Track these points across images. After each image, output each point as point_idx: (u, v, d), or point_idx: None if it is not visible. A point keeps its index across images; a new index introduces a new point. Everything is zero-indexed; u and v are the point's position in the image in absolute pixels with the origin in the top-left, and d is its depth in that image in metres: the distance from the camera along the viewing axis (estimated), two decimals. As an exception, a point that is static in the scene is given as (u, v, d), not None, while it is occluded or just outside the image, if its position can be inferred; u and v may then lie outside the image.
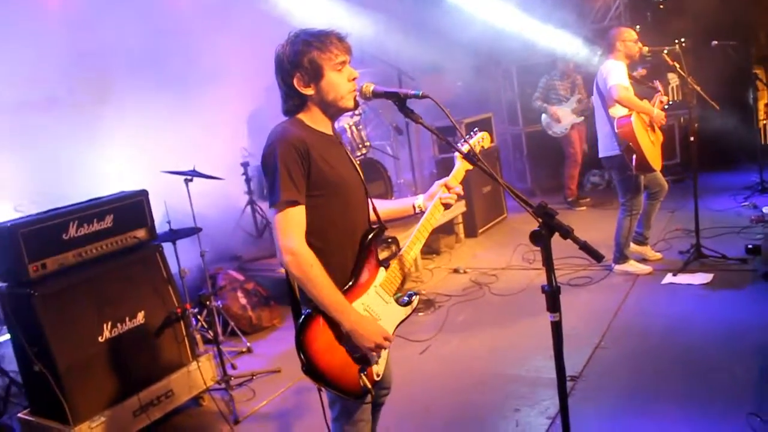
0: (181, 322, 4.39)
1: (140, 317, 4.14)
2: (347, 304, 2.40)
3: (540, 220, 2.14)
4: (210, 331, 4.70)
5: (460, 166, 2.80)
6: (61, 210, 3.94)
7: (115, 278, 4.06)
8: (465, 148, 2.61)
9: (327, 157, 2.45)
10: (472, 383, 4.33)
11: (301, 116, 2.52)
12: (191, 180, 4.93)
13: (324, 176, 2.42)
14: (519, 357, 4.52)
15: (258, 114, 7.36)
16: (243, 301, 5.74)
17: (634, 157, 5.36)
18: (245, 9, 7.24)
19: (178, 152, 5.54)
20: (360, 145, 7.01)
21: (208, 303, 4.90)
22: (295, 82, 2.44)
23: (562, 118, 8.53)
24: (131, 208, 4.22)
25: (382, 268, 2.62)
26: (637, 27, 9.62)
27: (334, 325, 2.40)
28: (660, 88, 5.83)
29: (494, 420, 3.82)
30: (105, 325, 3.95)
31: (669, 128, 8.70)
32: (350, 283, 2.51)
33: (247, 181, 6.85)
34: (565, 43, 8.88)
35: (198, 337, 4.97)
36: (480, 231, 7.94)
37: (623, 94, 5.32)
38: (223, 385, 4.55)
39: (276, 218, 2.36)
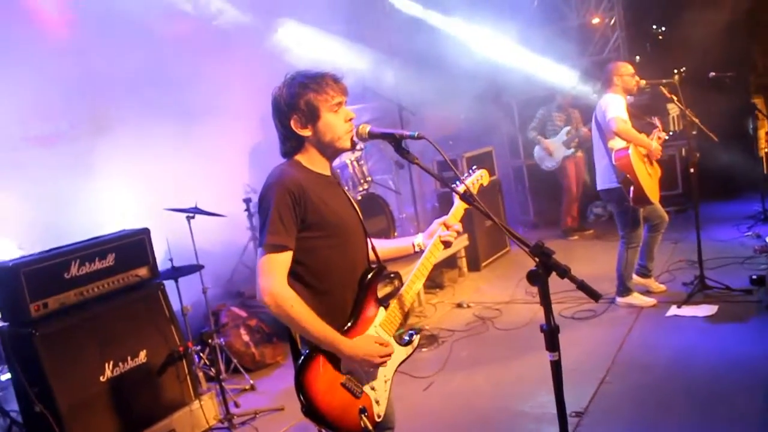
0: (183, 361, 4.38)
1: (142, 356, 4.14)
2: (337, 335, 2.40)
3: (537, 260, 2.15)
4: (213, 369, 4.68)
5: (459, 204, 2.80)
6: (63, 249, 3.97)
7: (116, 317, 4.07)
8: (462, 188, 2.64)
9: (325, 199, 2.48)
10: (476, 420, 4.29)
11: (299, 158, 2.55)
12: (193, 217, 4.96)
13: (322, 217, 2.45)
14: (524, 392, 4.47)
15: (259, 148, 7.43)
16: (246, 338, 5.71)
17: (632, 189, 5.39)
18: (246, 44, 7.37)
19: (180, 188, 5.59)
20: (362, 180, 7.04)
21: (210, 341, 4.88)
22: (292, 123, 2.48)
23: (554, 151, 8.60)
24: (133, 246, 4.25)
25: (381, 308, 2.62)
26: (637, 58, 9.78)
27: (333, 364, 2.41)
28: (658, 123, 5.87)
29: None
30: (107, 365, 3.95)
31: (670, 159, 8.75)
32: (349, 324, 2.51)
33: (250, 216, 6.88)
34: (564, 75, 8.98)
35: (201, 374, 4.95)
36: (483, 265, 7.93)
37: (622, 126, 5.35)
38: (226, 424, 4.52)
39: (260, 260, 2.38)
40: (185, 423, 4.27)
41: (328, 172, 2.61)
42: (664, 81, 5.72)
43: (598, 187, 5.79)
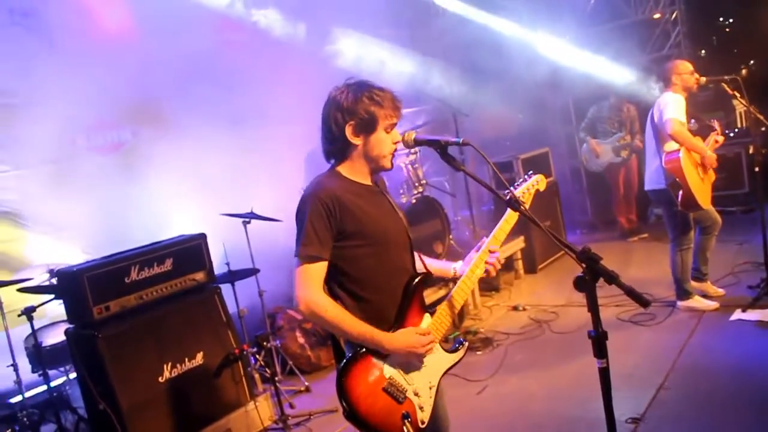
0: (239, 363, 4.47)
1: (199, 358, 4.25)
2: (376, 331, 2.42)
3: (584, 266, 2.11)
4: (268, 371, 4.76)
5: (508, 215, 2.75)
6: (124, 254, 4.11)
7: (174, 320, 4.18)
8: (517, 192, 2.67)
9: (364, 207, 2.50)
10: (529, 424, 4.25)
11: (340, 168, 2.58)
12: (249, 222, 5.06)
13: (361, 226, 2.47)
14: (579, 397, 4.40)
15: (315, 153, 7.41)
16: (301, 340, 5.79)
17: (681, 193, 5.25)
18: (301, 51, 7.45)
19: (236, 193, 5.70)
20: (416, 184, 7.04)
21: (265, 343, 4.96)
22: (347, 128, 2.49)
23: (602, 154, 8.42)
24: (190, 251, 4.36)
25: (427, 315, 2.61)
26: (702, 52, 9.48)
27: (375, 368, 2.42)
28: (716, 126, 5.65)
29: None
30: (165, 366, 4.07)
31: (735, 156, 8.47)
32: (392, 331, 2.51)
33: (305, 221, 6.96)
34: (622, 74, 8.78)
35: (257, 376, 5.04)
36: (539, 267, 7.84)
37: (678, 128, 5.19)
38: (280, 425, 4.59)
39: (296, 271, 2.44)
40: (241, 423, 4.35)
41: (369, 182, 2.62)
42: (726, 77, 5.54)
43: (646, 187, 5.68)
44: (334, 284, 2.52)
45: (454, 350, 2.68)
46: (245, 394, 4.49)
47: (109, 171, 6.00)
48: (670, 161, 5.32)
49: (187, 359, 4.18)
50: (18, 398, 4.97)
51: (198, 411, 4.16)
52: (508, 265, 7.68)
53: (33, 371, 5.02)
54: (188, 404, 4.11)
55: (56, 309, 5.21)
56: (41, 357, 4.82)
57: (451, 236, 6.87)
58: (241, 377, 4.48)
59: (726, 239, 6.78)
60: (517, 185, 2.85)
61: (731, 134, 8.44)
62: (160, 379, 4.03)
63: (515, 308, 6.60)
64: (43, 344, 4.93)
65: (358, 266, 2.50)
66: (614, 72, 8.86)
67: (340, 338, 2.51)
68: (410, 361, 2.50)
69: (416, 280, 2.60)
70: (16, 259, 5.62)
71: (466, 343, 2.73)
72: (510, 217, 2.72)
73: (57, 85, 5.50)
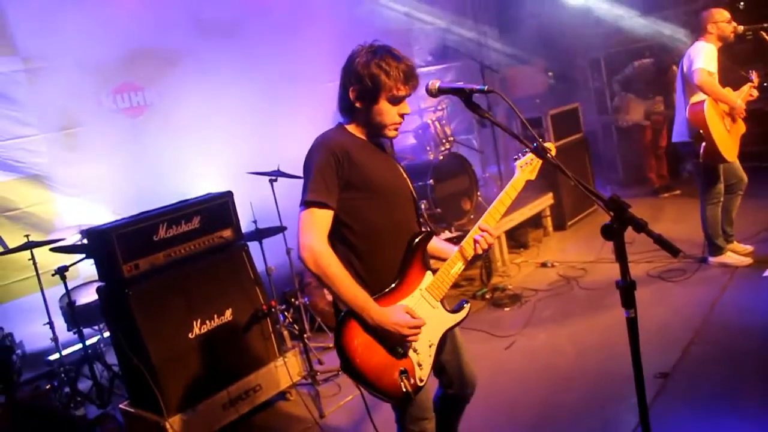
0: (268, 320, 4.50)
1: (228, 314, 4.29)
2: (368, 299, 2.39)
3: (611, 214, 2.07)
4: (297, 327, 4.81)
5: (519, 176, 2.74)
6: (152, 213, 4.13)
7: (203, 277, 4.21)
8: (522, 160, 2.69)
9: (369, 163, 2.51)
10: (558, 379, 4.24)
11: (348, 126, 2.59)
12: (276, 180, 5.06)
13: (366, 178, 2.47)
14: (607, 353, 4.37)
15: (342, 112, 7.47)
16: (329, 297, 5.81)
17: (703, 145, 5.11)
18: (332, 9, 7.35)
19: (263, 152, 5.70)
20: (444, 140, 6.98)
21: (294, 300, 5.00)
22: (350, 91, 2.50)
23: (633, 112, 8.21)
24: (217, 209, 4.36)
25: (429, 272, 2.59)
26: (741, 4, 9.11)
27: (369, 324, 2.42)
28: (754, 78, 5.42)
29: (581, 418, 3.72)
30: (195, 323, 4.11)
31: (773, 111, 8.20)
32: (394, 285, 2.51)
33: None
34: (656, 28, 8.53)
35: (285, 333, 5.09)
36: (569, 224, 7.75)
37: (705, 79, 5.02)
38: (309, 380, 4.64)
39: (301, 216, 2.41)
40: (270, 379, 4.40)
41: (375, 142, 2.63)
42: (765, 25, 5.34)
43: (674, 139, 5.54)
44: (336, 238, 2.51)
45: (457, 310, 2.67)
46: (274, 350, 4.53)
47: (136, 132, 6.04)
48: (694, 112, 5.18)
49: (216, 316, 4.22)
50: (55, 356, 5.11)
51: (227, 367, 4.21)
52: (537, 222, 7.61)
53: (68, 330, 5.16)
54: (218, 360, 4.16)
55: (89, 269, 5.32)
56: (75, 316, 4.94)
57: (479, 192, 6.82)
58: (270, 334, 4.51)
59: (762, 195, 6.63)
60: (527, 151, 2.75)
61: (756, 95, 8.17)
62: (190, 335, 4.08)
63: (543, 265, 6.56)
64: (77, 303, 5.04)
65: (363, 218, 2.50)
66: (647, 26, 8.60)
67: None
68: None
69: (419, 237, 2.58)
70: (48, 221, 5.72)
71: (469, 305, 2.71)
72: (506, 196, 2.68)
73: (82, 47, 5.52)
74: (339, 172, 2.42)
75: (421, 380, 2.51)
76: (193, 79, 6.13)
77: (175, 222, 4.12)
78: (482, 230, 2.60)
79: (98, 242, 3.97)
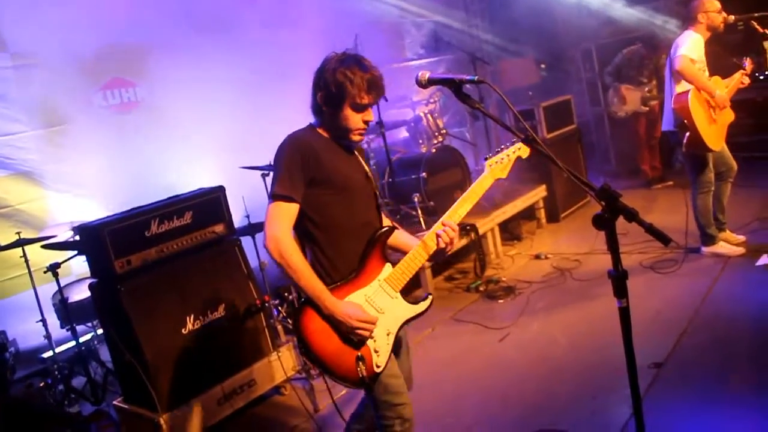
0: (261, 314, 4.50)
1: (221, 310, 4.28)
2: (324, 290, 2.50)
3: (603, 203, 2.07)
4: (290, 321, 4.80)
5: (487, 174, 2.82)
6: (143, 208, 4.12)
7: (196, 272, 4.20)
8: (495, 158, 2.82)
9: (334, 162, 2.63)
10: (552, 371, 4.25)
11: (318, 128, 2.73)
12: (268, 174, 5.05)
13: (330, 176, 2.60)
14: (601, 344, 4.38)
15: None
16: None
17: (687, 135, 5.13)
18: (321, 3, 7.33)
19: (255, 147, 5.67)
20: (436, 133, 6.98)
21: (287, 295, 4.99)
22: (318, 95, 2.65)
23: (630, 100, 8.19)
24: (209, 204, 4.35)
25: (388, 264, 2.70)
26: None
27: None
28: (747, 65, 5.41)
29: (575, 408, 3.73)
30: (188, 318, 4.10)
31: (765, 101, 8.22)
32: (353, 275, 2.63)
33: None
34: (647, 18, 8.53)
35: (279, 327, 5.08)
36: (562, 216, 7.76)
37: (686, 64, 5.03)
38: (303, 375, 4.64)
39: (268, 208, 2.55)
40: (264, 373, 4.40)
41: (342, 143, 2.73)
42: (756, 15, 5.33)
43: (663, 128, 5.55)
44: (301, 230, 2.65)
45: (418, 302, 2.75)
46: (268, 344, 4.52)
47: (126, 128, 6.02)
48: (678, 101, 5.19)
49: (209, 311, 4.20)
50: (49, 353, 5.09)
51: (221, 362, 4.20)
52: (530, 214, 7.62)
53: (62, 327, 5.14)
54: (212, 355, 4.15)
55: (82, 266, 5.30)
56: (68, 313, 4.92)
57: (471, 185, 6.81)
58: (264, 328, 4.51)
59: (754, 185, 6.65)
60: (499, 150, 2.86)
61: (761, 77, 8.18)
62: (183, 331, 4.07)
63: (537, 257, 6.57)
64: (70, 300, 5.02)
65: (326, 213, 2.63)
66: (638, 16, 8.60)
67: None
68: (369, 307, 2.59)
69: (379, 231, 2.70)
70: (40, 218, 5.70)
71: (431, 297, 2.79)
72: (472, 193, 2.76)
73: (71, 43, 5.49)
74: (305, 169, 2.54)
75: (378, 366, 2.61)
76: (184, 74, 6.10)
77: (167, 217, 4.11)
78: (444, 225, 2.68)
79: (90, 238, 3.96)
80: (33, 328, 5.02)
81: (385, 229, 2.72)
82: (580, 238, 6.84)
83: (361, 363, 2.55)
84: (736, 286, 4.92)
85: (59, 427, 4.42)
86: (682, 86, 5.21)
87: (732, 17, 5.25)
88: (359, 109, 2.61)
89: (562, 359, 4.38)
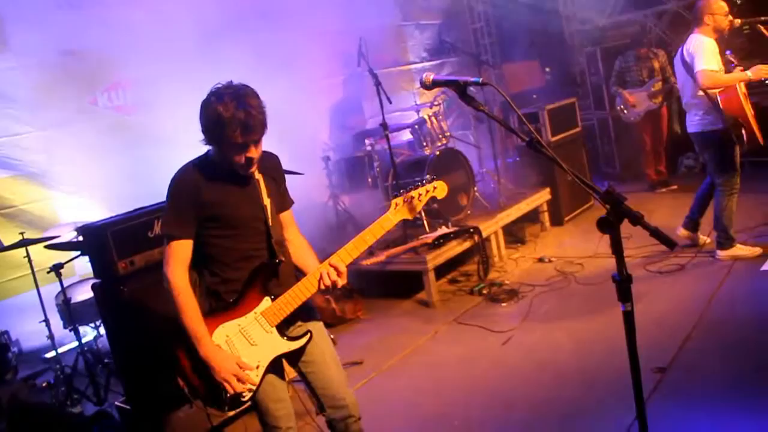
0: (264, 315, 4.48)
1: (224, 310, 4.26)
2: (206, 335, 2.61)
3: (607, 206, 2.06)
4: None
5: (389, 214, 2.76)
6: (146, 209, 4.12)
7: (198, 273, 4.19)
8: (408, 194, 2.78)
9: (223, 195, 2.66)
10: (555, 374, 4.23)
11: (213, 156, 2.69)
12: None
13: (216, 212, 2.65)
14: (604, 348, 4.36)
15: (338, 107, 7.45)
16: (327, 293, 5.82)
17: (744, 132, 5.03)
18: (324, 6, 7.32)
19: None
20: (440, 136, 6.97)
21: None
22: (203, 132, 2.62)
23: (638, 102, 8.17)
24: (212, 204, 4.34)
25: (267, 298, 2.72)
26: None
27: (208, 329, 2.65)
28: (733, 59, 5.27)
29: (578, 412, 3.71)
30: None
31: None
32: (230, 303, 2.71)
33: (329, 174, 6.95)
34: (650, 20, 8.53)
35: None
36: (566, 219, 7.74)
37: (708, 81, 4.96)
38: (299, 378, 4.62)
39: (165, 249, 2.67)
40: (267, 375, 4.38)
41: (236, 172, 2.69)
42: (762, 18, 5.29)
43: (694, 130, 5.34)
44: (200, 262, 2.73)
45: (295, 339, 2.76)
46: (271, 346, 4.51)
47: (130, 129, 6.02)
48: (728, 100, 5.00)
49: (212, 312, 4.20)
50: (52, 353, 5.10)
51: (224, 363, 4.19)
52: (534, 217, 7.61)
53: (64, 327, 5.14)
54: (214, 356, 4.14)
55: (85, 266, 5.30)
56: (71, 313, 4.92)
57: (476, 188, 6.82)
58: (267, 330, 4.50)
59: (759, 190, 6.63)
60: (411, 188, 2.78)
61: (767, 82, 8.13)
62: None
63: (541, 260, 6.56)
64: (73, 300, 5.03)
65: (213, 246, 2.70)
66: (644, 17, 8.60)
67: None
68: (238, 340, 2.66)
69: (261, 265, 2.72)
70: (45, 219, 5.72)
71: (308, 336, 2.79)
72: (369, 234, 2.73)
73: (76, 44, 5.50)
74: (191, 206, 2.61)
75: (244, 397, 2.67)
76: (188, 75, 6.08)
77: (171, 218, 4.10)
78: (331, 265, 2.68)
79: (93, 239, 3.96)
80: (36, 329, 5.03)
81: (266, 264, 2.72)
82: (584, 241, 6.82)
83: (225, 391, 2.61)
84: (741, 290, 4.89)
85: (61, 427, 4.42)
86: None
87: (738, 21, 5.20)
88: (238, 148, 2.54)
89: (565, 363, 4.36)
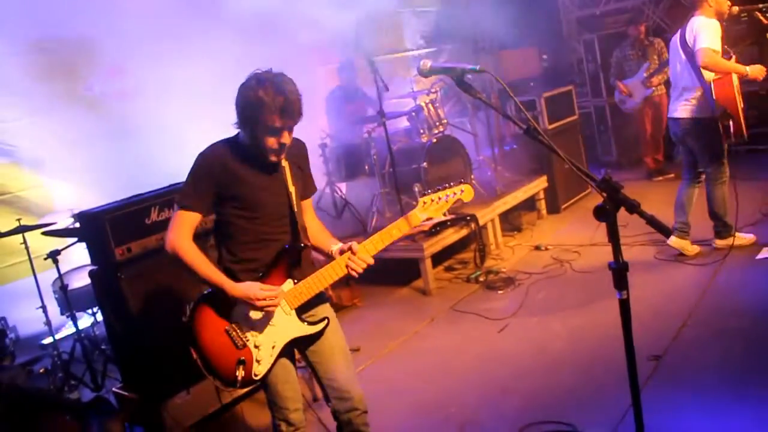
0: (261, 302, 4.49)
1: (221, 297, 4.27)
2: (223, 276, 2.65)
3: (604, 195, 2.06)
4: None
5: (416, 211, 2.80)
6: (143, 196, 4.11)
7: (196, 260, 4.19)
8: (431, 195, 2.82)
9: (248, 177, 2.69)
10: (551, 362, 4.25)
11: (240, 140, 2.74)
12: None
13: (239, 192, 2.69)
14: (600, 335, 4.39)
15: (335, 95, 7.42)
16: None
17: (731, 123, 4.98)
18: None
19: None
20: (437, 123, 6.95)
21: (287, 283, 4.98)
22: (238, 115, 2.65)
23: (634, 91, 8.16)
24: (209, 192, 4.33)
25: (290, 280, 2.75)
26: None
27: (222, 310, 2.71)
28: (730, 52, 5.21)
29: (574, 400, 3.73)
30: (188, 306, 4.09)
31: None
32: (257, 278, 2.70)
33: (326, 162, 6.94)
34: (648, 7, 8.50)
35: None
36: (563, 207, 7.76)
37: (709, 58, 4.87)
38: (303, 364, 4.63)
39: (173, 214, 2.71)
40: (264, 362, 4.40)
41: (261, 158, 2.72)
42: (760, 6, 5.26)
43: (682, 116, 5.23)
44: (221, 241, 2.81)
45: (312, 324, 2.81)
46: (268, 333, 4.52)
47: (126, 115, 6.00)
48: (721, 88, 4.96)
49: (209, 299, 4.21)
50: (49, 340, 5.11)
51: (221, 350, 4.20)
52: (531, 205, 7.62)
53: (62, 314, 5.15)
54: (212, 343, 4.15)
55: (82, 253, 5.29)
56: (68, 300, 4.93)
57: (473, 176, 6.82)
58: (264, 317, 4.51)
59: (756, 178, 6.64)
60: (440, 188, 2.83)
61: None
62: (183, 319, 4.06)
63: (537, 248, 6.57)
64: (70, 287, 5.03)
65: (233, 226, 2.75)
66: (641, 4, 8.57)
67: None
68: (257, 317, 2.68)
69: (286, 248, 2.75)
70: (41, 205, 5.71)
71: (325, 322, 2.85)
72: (396, 230, 2.75)
73: (70, 28, 5.47)
74: (210, 184, 2.65)
75: (257, 375, 2.71)
76: (184, 61, 6.08)
77: (168, 205, 4.10)
78: (359, 258, 2.71)
79: (90, 226, 3.95)
80: (33, 315, 5.03)
81: (292, 247, 2.76)
82: (580, 229, 6.84)
83: (240, 367, 2.66)
84: (736, 279, 4.91)
85: (58, 413, 4.43)
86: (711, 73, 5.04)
87: (736, 8, 5.15)
88: (272, 132, 2.59)
89: (561, 350, 4.39)
